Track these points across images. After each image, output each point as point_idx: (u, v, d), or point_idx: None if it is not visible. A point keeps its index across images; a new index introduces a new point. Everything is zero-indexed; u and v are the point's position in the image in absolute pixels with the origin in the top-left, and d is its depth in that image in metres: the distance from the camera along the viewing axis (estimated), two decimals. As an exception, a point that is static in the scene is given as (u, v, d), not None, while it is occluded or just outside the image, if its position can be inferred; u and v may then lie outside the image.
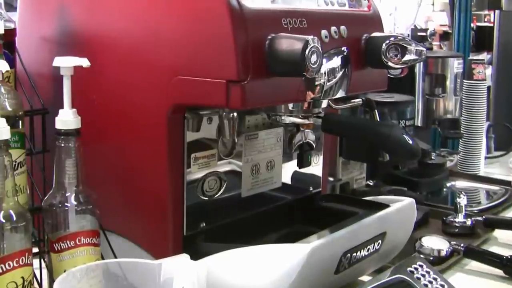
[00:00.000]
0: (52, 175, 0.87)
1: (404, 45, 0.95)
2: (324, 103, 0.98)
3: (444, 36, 2.65)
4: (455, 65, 1.62)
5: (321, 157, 1.16)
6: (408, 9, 1.69)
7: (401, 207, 1.02)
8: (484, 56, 2.59)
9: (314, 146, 1.04)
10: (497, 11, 2.19)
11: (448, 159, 1.79)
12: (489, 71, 2.13)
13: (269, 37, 0.83)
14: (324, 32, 0.91)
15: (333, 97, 0.96)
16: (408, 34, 1.78)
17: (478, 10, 2.79)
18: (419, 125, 1.65)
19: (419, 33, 2.29)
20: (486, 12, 2.90)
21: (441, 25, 2.82)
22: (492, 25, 2.36)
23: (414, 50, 0.96)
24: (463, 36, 2.15)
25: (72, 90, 0.86)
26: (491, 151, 1.99)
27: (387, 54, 0.96)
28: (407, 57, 0.96)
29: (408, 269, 0.94)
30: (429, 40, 2.32)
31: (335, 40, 0.93)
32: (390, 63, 0.96)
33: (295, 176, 1.12)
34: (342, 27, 0.95)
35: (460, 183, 1.67)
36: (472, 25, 2.33)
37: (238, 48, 0.81)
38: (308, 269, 0.83)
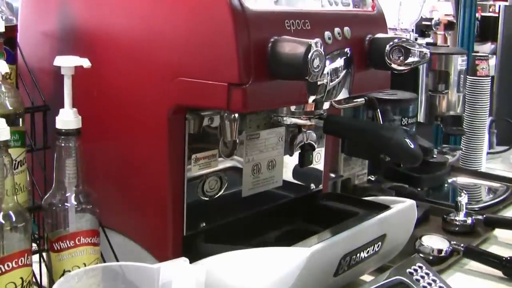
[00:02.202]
0: (53, 173, 0.86)
1: (408, 47, 0.94)
2: (326, 105, 0.97)
3: (449, 26, 2.63)
4: (459, 62, 1.62)
5: (323, 155, 1.16)
6: (413, 4, 1.67)
7: (401, 209, 1.02)
8: (488, 46, 2.58)
9: (316, 146, 1.03)
10: (502, 5, 2.18)
11: (450, 155, 1.79)
12: (492, 61, 2.12)
13: (272, 39, 0.82)
14: (327, 34, 0.90)
15: (336, 99, 0.95)
16: (413, 29, 1.76)
17: (483, 0, 2.78)
18: (422, 121, 1.64)
19: (424, 23, 2.28)
20: (491, 2, 2.89)
21: (446, 15, 2.80)
22: (496, 15, 2.35)
23: (418, 52, 0.94)
24: (467, 29, 2.14)
25: (73, 88, 0.85)
26: (493, 146, 1.99)
27: (391, 56, 0.95)
28: (411, 59, 0.94)
29: (408, 270, 0.94)
30: (434, 29, 2.30)
31: (339, 42, 0.92)
32: (393, 65, 0.95)
33: (296, 173, 1.11)
34: (346, 28, 0.93)
35: (462, 179, 1.67)
36: (476, 15, 2.32)
37: (240, 51, 0.80)
38: (307, 272, 0.83)
